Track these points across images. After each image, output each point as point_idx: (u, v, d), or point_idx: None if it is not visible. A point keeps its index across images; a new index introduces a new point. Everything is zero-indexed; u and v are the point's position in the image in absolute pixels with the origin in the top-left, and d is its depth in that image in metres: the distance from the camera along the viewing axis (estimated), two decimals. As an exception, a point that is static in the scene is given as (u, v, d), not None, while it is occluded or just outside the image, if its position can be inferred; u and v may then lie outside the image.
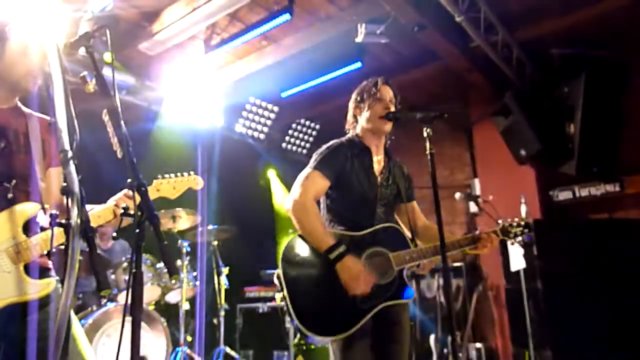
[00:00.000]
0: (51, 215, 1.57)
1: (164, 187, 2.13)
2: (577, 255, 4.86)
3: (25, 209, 1.79)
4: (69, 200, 1.25)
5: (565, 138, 5.33)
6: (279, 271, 2.30)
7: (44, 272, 1.83)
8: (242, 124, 6.68)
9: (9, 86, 1.89)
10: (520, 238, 2.55)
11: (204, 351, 5.09)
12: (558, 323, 4.89)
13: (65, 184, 1.25)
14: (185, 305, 4.76)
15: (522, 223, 2.55)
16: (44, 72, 1.53)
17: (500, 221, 2.56)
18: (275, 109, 6.78)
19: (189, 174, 2.24)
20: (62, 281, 1.27)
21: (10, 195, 1.81)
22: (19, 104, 2.01)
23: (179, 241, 4.86)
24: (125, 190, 1.96)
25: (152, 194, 2.07)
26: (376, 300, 2.28)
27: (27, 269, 1.77)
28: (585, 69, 5.11)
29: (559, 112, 5.39)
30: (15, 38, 1.82)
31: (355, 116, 2.62)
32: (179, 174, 2.22)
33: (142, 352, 3.97)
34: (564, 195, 5.66)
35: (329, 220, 2.46)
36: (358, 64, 5.57)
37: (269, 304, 5.48)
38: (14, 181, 1.83)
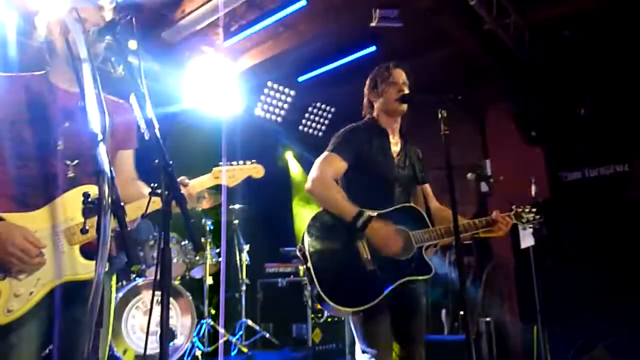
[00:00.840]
0: (84, 194, 1.59)
1: (222, 174, 2.12)
2: (586, 234, 4.96)
3: (90, 190, 1.77)
4: (100, 179, 1.29)
5: (575, 119, 5.39)
6: (304, 244, 2.35)
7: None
8: (261, 108, 6.85)
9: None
10: (532, 223, 2.62)
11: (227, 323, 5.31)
12: (566, 300, 5.02)
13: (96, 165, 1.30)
14: (209, 280, 5.01)
15: (535, 209, 2.62)
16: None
17: (513, 206, 2.60)
18: (292, 93, 6.93)
19: (251, 162, 2.22)
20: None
21: (70, 174, 1.84)
22: None
23: (203, 220, 5.10)
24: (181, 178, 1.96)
25: (210, 181, 2.10)
26: (397, 275, 2.33)
27: (83, 250, 1.80)
28: (596, 50, 5.14)
29: (570, 93, 5.45)
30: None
31: (370, 101, 2.68)
32: (240, 162, 2.21)
33: (170, 324, 4.20)
34: (573, 175, 5.72)
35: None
36: (372, 48, 5.66)
37: (287, 279, 5.69)
38: (76, 161, 1.85)
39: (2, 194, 1.83)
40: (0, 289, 1.69)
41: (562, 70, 5.53)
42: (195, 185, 2.01)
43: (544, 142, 5.77)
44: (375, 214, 2.41)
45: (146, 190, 1.79)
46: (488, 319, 5.33)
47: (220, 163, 2.18)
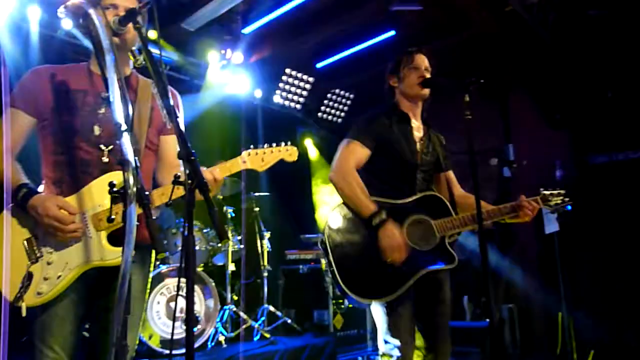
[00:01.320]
0: (109, 183, 1.62)
1: (251, 158, 2.00)
2: (612, 219, 4.87)
3: (117, 177, 1.78)
4: (124, 169, 1.30)
5: (602, 101, 5.26)
6: (324, 237, 2.37)
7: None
8: (280, 95, 6.85)
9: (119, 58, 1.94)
10: (560, 207, 2.54)
11: (249, 309, 5.40)
12: (592, 286, 4.95)
13: (120, 155, 1.32)
14: (231, 267, 5.07)
15: (563, 192, 2.55)
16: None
17: (541, 189, 2.54)
18: (311, 79, 6.90)
19: (283, 145, 2.07)
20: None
21: (105, 160, 1.87)
22: (135, 72, 2.07)
23: (224, 207, 5.15)
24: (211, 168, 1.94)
25: (237, 166, 1.99)
26: (420, 266, 2.32)
27: (112, 237, 1.82)
28: (623, 30, 4.99)
29: (596, 75, 5.32)
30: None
31: (392, 86, 2.65)
32: (272, 145, 2.06)
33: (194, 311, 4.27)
34: (600, 159, 5.61)
35: (369, 185, 2.46)
36: (392, 33, 5.59)
37: (308, 265, 5.73)
38: (110, 146, 1.88)
39: (46, 178, 1.91)
40: (33, 272, 1.76)
41: (587, 51, 5.39)
42: (222, 171, 1.94)
43: (569, 126, 5.65)
44: (393, 202, 2.40)
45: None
46: (511, 305, 5.30)
47: (251, 147, 2.05)
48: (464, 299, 5.63)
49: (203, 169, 1.80)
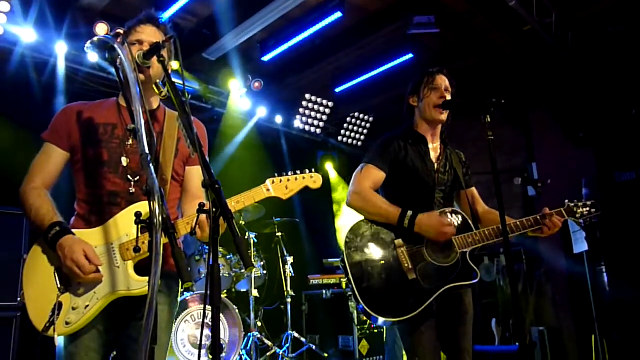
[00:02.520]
0: (136, 214, 1.62)
1: (275, 186, 1.97)
2: (642, 236, 4.73)
3: (144, 208, 1.83)
4: (150, 199, 1.31)
5: (626, 118, 5.18)
6: (343, 256, 2.36)
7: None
8: (300, 120, 6.92)
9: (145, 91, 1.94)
10: (587, 218, 2.49)
11: (273, 336, 5.35)
12: (624, 306, 4.79)
13: (146, 185, 1.34)
14: (254, 293, 5.06)
15: (589, 203, 2.50)
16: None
17: (566, 201, 2.51)
18: (330, 104, 6.98)
19: (307, 172, 2.04)
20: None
21: (132, 190, 1.91)
22: (163, 105, 2.13)
23: (247, 233, 5.17)
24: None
25: (261, 194, 1.96)
26: (440, 282, 2.29)
27: (139, 267, 1.83)
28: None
29: (619, 92, 5.25)
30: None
31: (412, 106, 2.66)
32: (296, 172, 2.03)
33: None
34: (626, 176, 5.50)
35: None
36: (409, 56, 5.64)
37: (332, 290, 5.68)
38: (137, 177, 1.92)
39: (77, 209, 1.97)
40: (62, 302, 1.78)
41: (609, 68, 5.34)
42: (246, 200, 1.93)
43: (593, 143, 5.56)
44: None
45: None
46: (541, 327, 5.16)
47: (275, 174, 2.00)
48: (492, 322, 5.50)
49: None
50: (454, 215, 2.46)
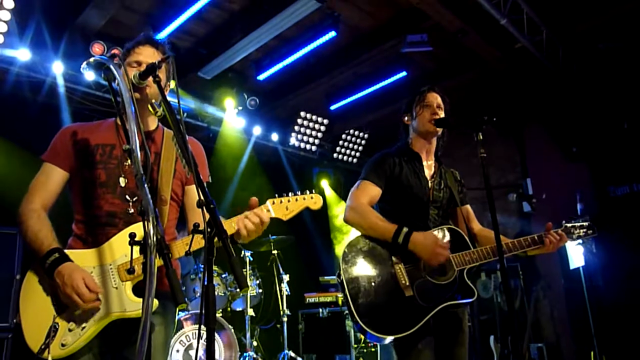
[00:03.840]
0: (130, 234, 1.56)
1: (275, 207, 1.94)
2: (637, 251, 4.74)
3: (140, 229, 1.81)
4: (144, 219, 1.32)
5: (619, 132, 5.24)
6: (340, 272, 2.34)
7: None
8: (295, 137, 6.95)
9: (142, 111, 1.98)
10: (584, 239, 2.49)
11: (269, 355, 5.28)
12: (622, 321, 4.77)
13: (141, 206, 1.34)
14: (250, 312, 5.00)
15: (586, 224, 2.50)
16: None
17: (564, 222, 2.49)
18: (325, 121, 7.01)
19: (308, 193, 2.01)
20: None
21: (131, 211, 1.90)
22: (161, 126, 2.13)
23: (242, 251, 5.13)
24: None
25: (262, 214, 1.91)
26: (437, 300, 2.27)
27: (136, 287, 1.81)
28: (634, 61, 5.02)
29: (610, 106, 5.32)
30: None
31: (405, 124, 2.69)
32: (296, 194, 1.99)
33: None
34: (620, 190, 5.53)
35: None
36: (403, 73, 5.69)
37: (329, 308, 5.62)
38: (135, 198, 1.92)
39: (74, 229, 1.96)
40: (58, 323, 1.76)
41: (600, 83, 5.41)
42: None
43: (587, 158, 5.61)
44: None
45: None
46: (540, 344, 5.12)
47: (275, 195, 1.97)
48: (490, 339, 5.45)
49: (224, 220, 1.78)
50: (450, 232, 2.45)
